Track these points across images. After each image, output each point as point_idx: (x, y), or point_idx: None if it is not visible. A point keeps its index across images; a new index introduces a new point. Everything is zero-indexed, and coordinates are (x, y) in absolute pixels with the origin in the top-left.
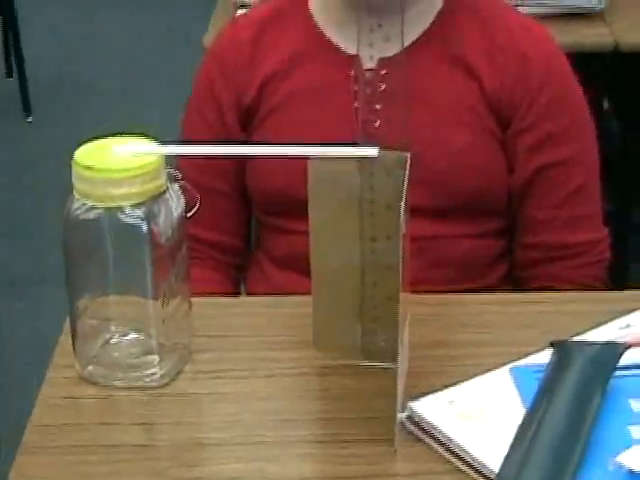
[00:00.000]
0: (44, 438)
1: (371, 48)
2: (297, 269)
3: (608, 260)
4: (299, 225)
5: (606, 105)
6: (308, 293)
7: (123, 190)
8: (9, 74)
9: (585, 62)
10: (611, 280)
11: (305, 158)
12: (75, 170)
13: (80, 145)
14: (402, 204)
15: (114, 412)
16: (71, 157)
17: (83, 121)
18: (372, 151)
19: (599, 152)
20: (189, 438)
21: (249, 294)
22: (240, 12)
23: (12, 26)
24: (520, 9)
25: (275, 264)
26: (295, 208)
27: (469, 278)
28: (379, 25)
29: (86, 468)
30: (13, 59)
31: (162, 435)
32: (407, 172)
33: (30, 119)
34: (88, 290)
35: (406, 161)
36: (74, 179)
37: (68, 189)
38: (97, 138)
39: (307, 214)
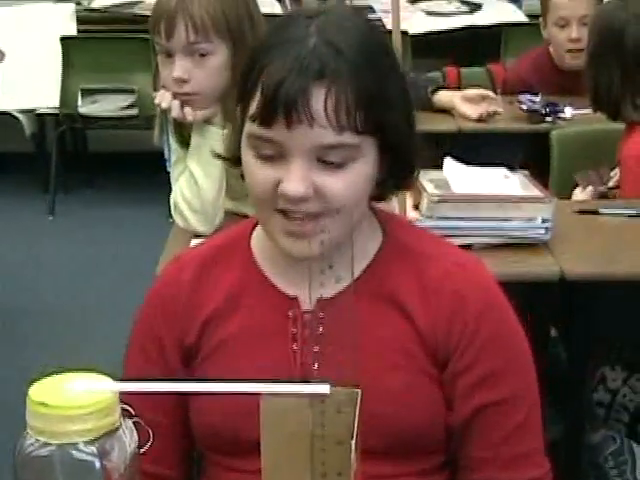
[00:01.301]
0: None
1: (312, 289)
2: None
3: None
4: (242, 464)
5: (553, 332)
6: None
7: (77, 426)
8: None
9: (532, 290)
10: None
11: (247, 394)
12: (29, 406)
13: (32, 380)
14: (353, 441)
15: None
16: (19, 390)
17: (31, 353)
18: (324, 388)
19: (546, 379)
20: None
21: None
22: (194, 241)
23: None
24: (468, 239)
25: None
26: (237, 447)
27: None
28: (330, 267)
29: None
30: None
31: None
32: (357, 409)
33: None
34: None
35: (356, 398)
36: (28, 416)
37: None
38: (48, 374)
39: (248, 453)
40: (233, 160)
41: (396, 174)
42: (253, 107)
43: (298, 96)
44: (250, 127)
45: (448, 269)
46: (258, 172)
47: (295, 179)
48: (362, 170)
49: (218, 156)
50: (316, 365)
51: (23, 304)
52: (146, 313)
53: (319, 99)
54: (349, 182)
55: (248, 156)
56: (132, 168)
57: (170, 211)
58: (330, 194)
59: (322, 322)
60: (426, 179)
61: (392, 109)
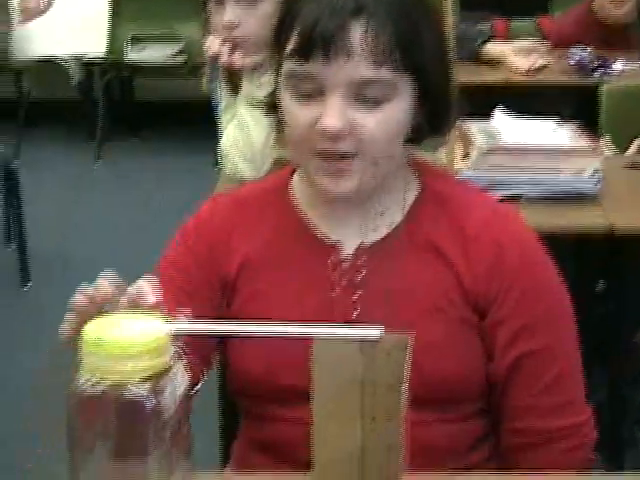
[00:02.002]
0: None
1: (352, 235)
2: (283, 458)
3: (594, 441)
4: (284, 412)
5: (600, 287)
6: None
7: (130, 366)
8: (8, 242)
9: (580, 244)
10: (606, 462)
11: (292, 339)
12: (82, 345)
13: None
14: (403, 386)
15: None
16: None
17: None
18: (374, 332)
19: (592, 334)
20: None
21: None
22: None
23: (15, 196)
24: (517, 190)
25: (260, 452)
26: (278, 394)
27: (452, 460)
28: (382, 213)
29: None
30: (13, 229)
31: None
32: (408, 354)
33: (27, 288)
34: (90, 466)
35: (407, 344)
36: (81, 354)
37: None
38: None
39: (288, 400)
40: (270, 105)
41: (432, 119)
42: (290, 45)
43: (336, 30)
44: (288, 65)
45: (487, 218)
46: (297, 112)
47: (332, 114)
48: (397, 109)
49: (257, 103)
50: (355, 313)
51: (68, 250)
52: (181, 239)
53: (357, 33)
54: (383, 120)
55: (286, 98)
56: (178, 117)
57: (216, 160)
58: (364, 131)
59: (361, 269)
60: (476, 129)
61: (428, 52)
